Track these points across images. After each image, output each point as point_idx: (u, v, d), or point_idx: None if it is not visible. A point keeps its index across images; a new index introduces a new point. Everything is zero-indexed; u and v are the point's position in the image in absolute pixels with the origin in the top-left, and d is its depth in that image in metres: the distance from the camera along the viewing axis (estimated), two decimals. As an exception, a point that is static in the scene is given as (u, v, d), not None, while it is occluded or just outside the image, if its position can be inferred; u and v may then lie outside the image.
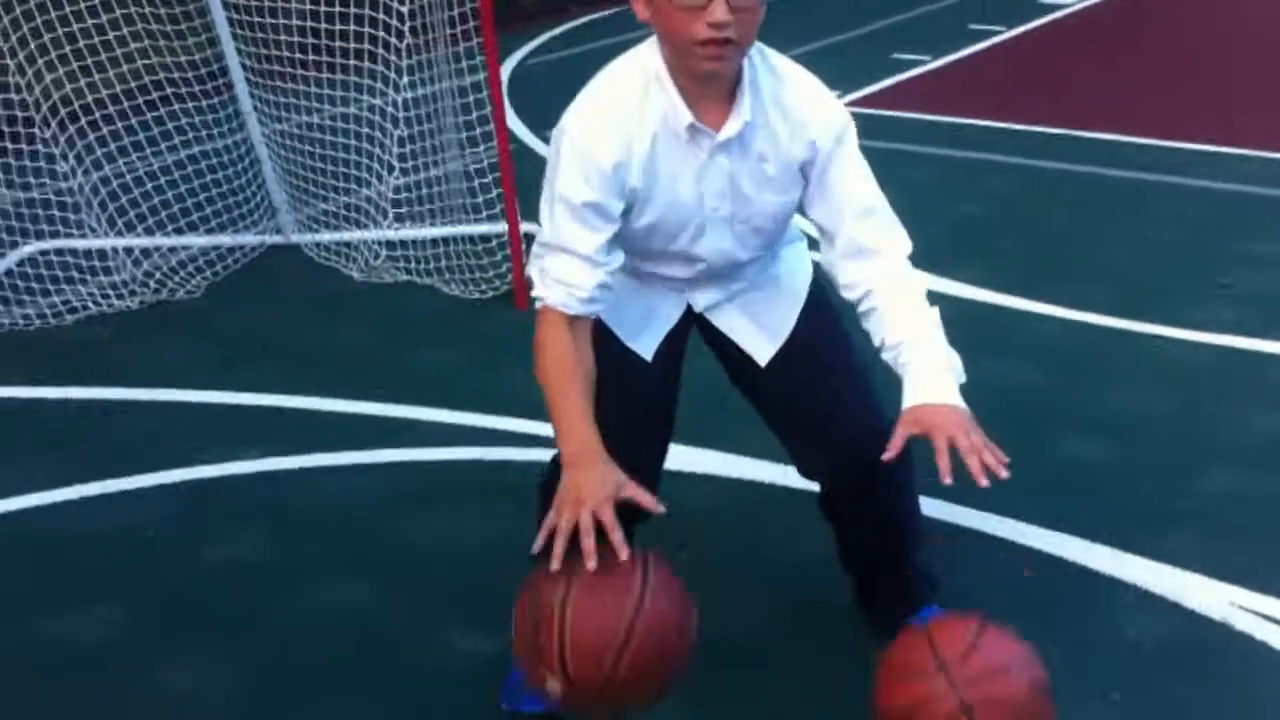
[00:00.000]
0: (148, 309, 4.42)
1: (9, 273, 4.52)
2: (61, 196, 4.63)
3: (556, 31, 9.14)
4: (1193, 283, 4.37)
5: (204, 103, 5.13)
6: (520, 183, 4.27)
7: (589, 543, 1.86)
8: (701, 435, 3.34)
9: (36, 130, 4.47)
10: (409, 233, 4.80)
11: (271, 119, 5.05)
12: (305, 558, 2.97)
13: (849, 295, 2.23)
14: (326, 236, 4.93)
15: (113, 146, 4.80)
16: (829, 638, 2.62)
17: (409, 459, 3.39)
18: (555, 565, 1.87)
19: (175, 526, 3.11)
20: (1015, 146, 6.11)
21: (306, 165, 4.99)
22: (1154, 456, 3.29)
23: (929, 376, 2.08)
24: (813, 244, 2.39)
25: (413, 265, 4.64)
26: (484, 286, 4.44)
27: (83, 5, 4.61)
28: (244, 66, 4.88)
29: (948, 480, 1.95)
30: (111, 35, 4.72)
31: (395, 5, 4.48)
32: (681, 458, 3.28)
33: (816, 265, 2.40)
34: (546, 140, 6.31)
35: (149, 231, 4.78)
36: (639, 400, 2.29)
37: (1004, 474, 1.99)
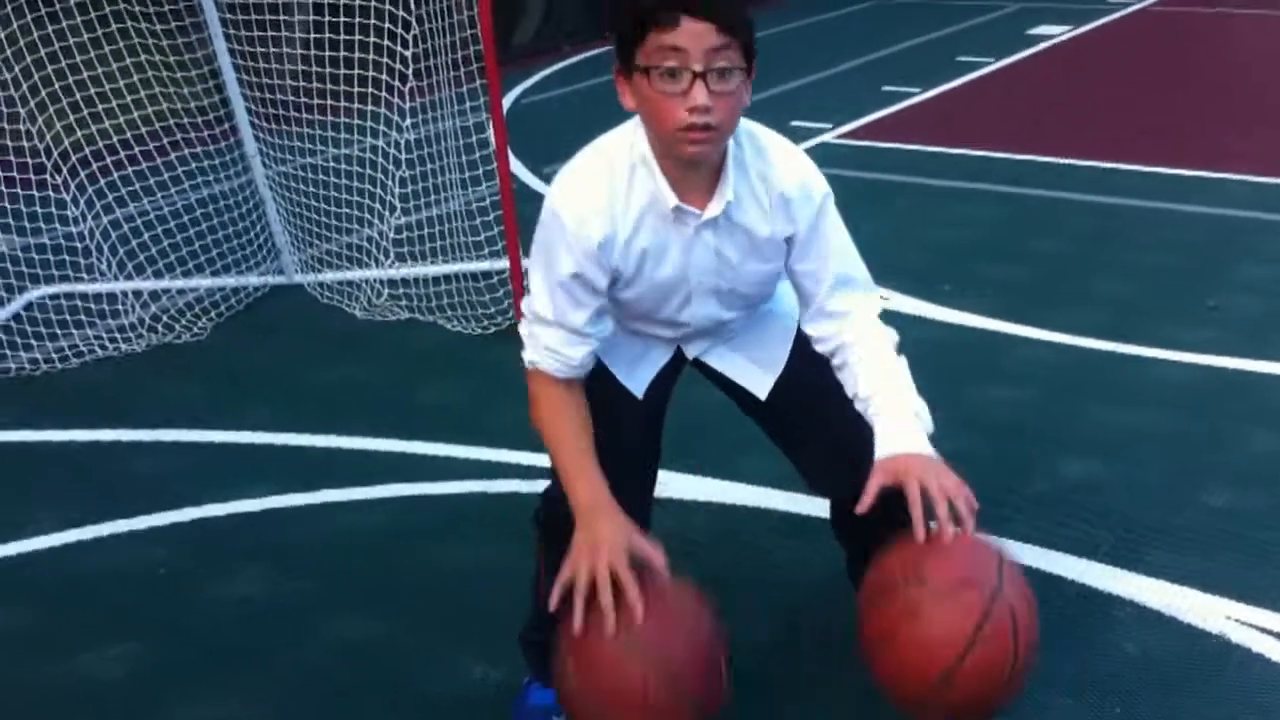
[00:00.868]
0: (152, 351, 4.48)
1: (16, 317, 4.59)
2: (69, 241, 4.70)
3: (551, 70, 9.26)
4: (1182, 305, 4.45)
5: (210, 147, 5.22)
6: (519, 220, 4.35)
7: (607, 597, 1.91)
8: (701, 462, 3.40)
9: (47, 177, 4.55)
10: (411, 271, 4.88)
11: (275, 161, 5.14)
12: (314, 593, 3.02)
13: (821, 348, 2.30)
14: (329, 276, 5.01)
15: (123, 191, 4.87)
16: (836, 658, 2.67)
17: (415, 493, 3.45)
18: (578, 623, 1.93)
19: (185, 565, 3.16)
20: (1005, 175, 6.20)
21: (310, 206, 5.08)
22: (1148, 475, 3.36)
23: (899, 427, 2.13)
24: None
25: (415, 303, 4.72)
26: (486, 322, 4.51)
27: (92, 54, 4.71)
28: (249, 110, 4.97)
29: (920, 533, 2.00)
30: (121, 83, 4.82)
31: (399, 49, 4.58)
32: (682, 485, 3.34)
33: None
34: (543, 178, 6.43)
35: (157, 275, 4.85)
36: (629, 437, 2.33)
37: (970, 525, 2.02)
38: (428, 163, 4.81)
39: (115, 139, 4.87)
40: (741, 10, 2.02)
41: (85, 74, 4.73)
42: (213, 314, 4.75)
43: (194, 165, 5.22)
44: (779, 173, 2.19)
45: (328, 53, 4.89)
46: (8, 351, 4.40)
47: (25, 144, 4.50)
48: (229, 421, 3.91)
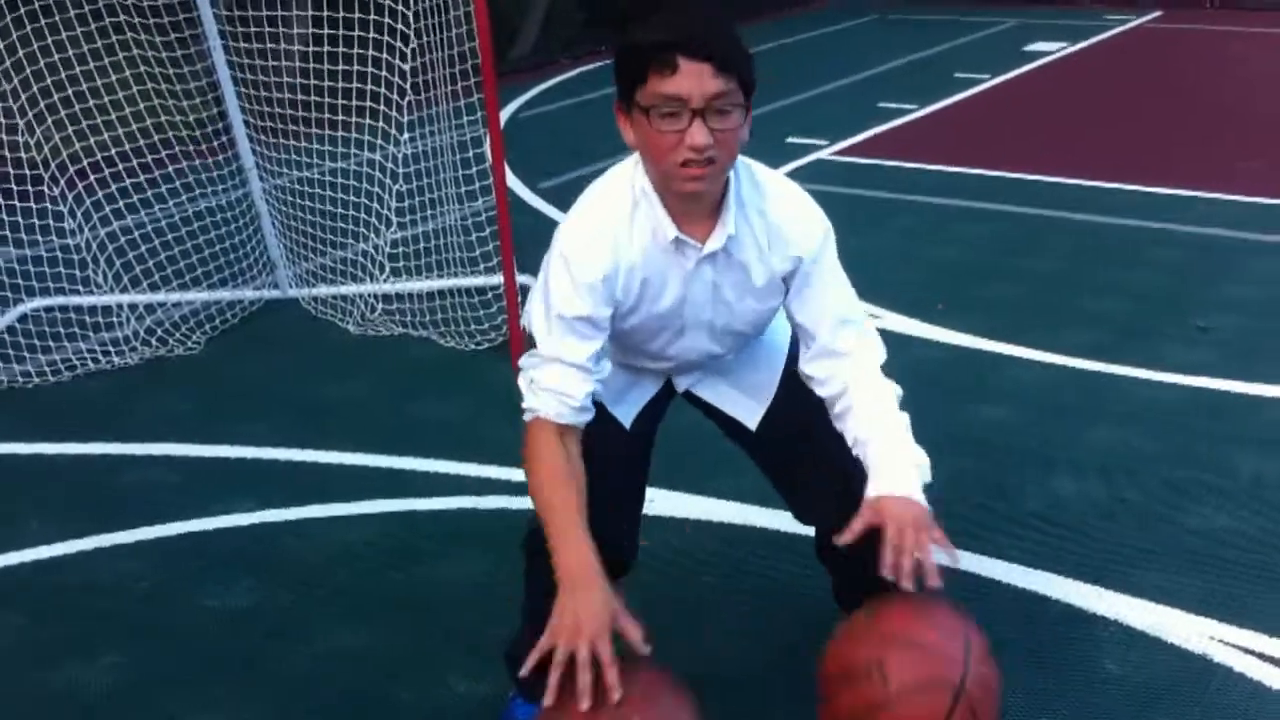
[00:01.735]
0: (146, 364, 4.49)
1: (10, 329, 4.61)
2: (66, 254, 4.72)
3: (547, 85, 9.29)
4: (1171, 326, 4.47)
5: (208, 159, 5.25)
6: (514, 235, 4.37)
7: (586, 679, 1.88)
8: (685, 480, 3.42)
9: (45, 188, 4.57)
10: (405, 285, 4.90)
11: (272, 174, 5.17)
12: (303, 607, 3.03)
13: (822, 392, 2.29)
14: (324, 290, 5.03)
15: (120, 203, 4.89)
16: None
17: (405, 509, 3.46)
18: (549, 700, 1.89)
19: (175, 578, 3.17)
20: (999, 193, 6.23)
21: (305, 220, 5.10)
22: (1135, 495, 3.37)
23: (893, 471, 2.13)
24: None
25: (409, 318, 4.74)
26: (479, 338, 4.53)
27: (91, 65, 4.74)
28: (246, 123, 5.00)
29: (887, 574, 2.00)
30: (120, 95, 4.85)
31: (397, 63, 4.60)
32: (666, 502, 3.36)
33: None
34: (539, 193, 6.45)
35: (153, 288, 4.87)
36: (616, 467, 2.33)
37: (934, 581, 2.01)
38: (424, 177, 4.83)
39: (113, 151, 4.89)
40: (739, 48, 2.03)
41: (84, 85, 4.75)
42: (207, 327, 4.77)
43: (191, 178, 5.25)
44: (777, 209, 2.20)
45: (326, 66, 4.92)
46: (0, 364, 4.41)
47: (23, 155, 4.52)
48: (221, 435, 3.93)
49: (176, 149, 5.13)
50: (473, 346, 4.51)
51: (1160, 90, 8.61)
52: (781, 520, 3.20)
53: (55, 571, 3.23)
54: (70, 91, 4.73)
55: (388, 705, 2.66)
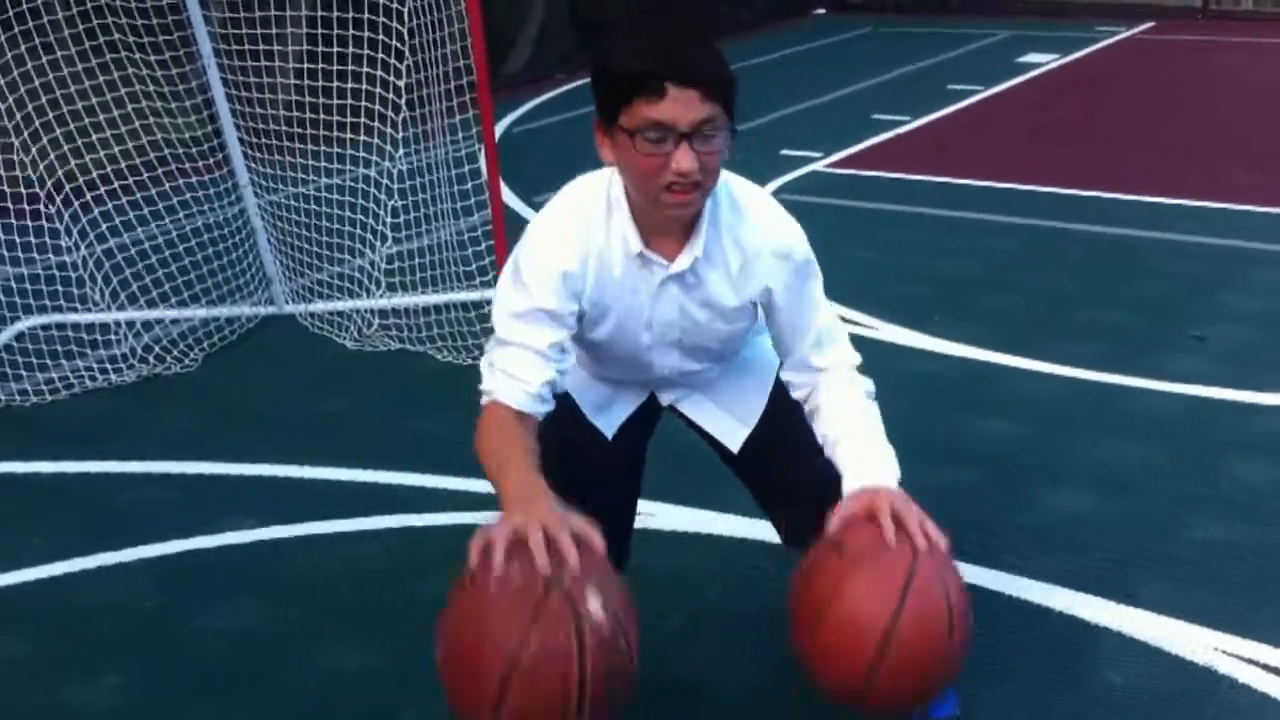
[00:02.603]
0: (143, 381, 4.48)
1: (7, 348, 4.59)
2: (62, 271, 4.71)
3: (542, 99, 9.30)
4: (1172, 336, 4.47)
5: (204, 177, 5.24)
6: (510, 249, 4.37)
7: (542, 559, 1.77)
8: (689, 493, 3.41)
9: (40, 207, 4.56)
10: (401, 300, 4.90)
11: (267, 191, 5.16)
12: (304, 625, 3.02)
13: (795, 394, 2.32)
14: (320, 306, 5.02)
15: (116, 221, 4.88)
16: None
17: (405, 524, 3.45)
18: (497, 570, 1.77)
19: (175, 597, 3.15)
20: (996, 204, 6.24)
21: (301, 236, 5.10)
22: (1136, 506, 3.37)
23: (867, 465, 2.13)
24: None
25: (406, 333, 4.73)
26: (476, 352, 4.52)
27: (86, 84, 4.73)
28: (241, 140, 4.99)
29: (890, 537, 1.99)
30: (115, 113, 4.85)
31: (392, 79, 4.60)
32: (670, 516, 3.35)
33: None
34: (535, 207, 6.44)
35: (150, 305, 4.86)
36: (599, 478, 2.31)
37: (944, 546, 2.00)
38: (419, 192, 4.83)
39: (109, 168, 4.88)
40: (725, 71, 2.03)
41: (79, 104, 4.75)
42: (204, 344, 4.76)
43: (187, 195, 5.24)
44: (755, 234, 2.18)
45: (320, 83, 4.92)
46: (-3, 382, 4.41)
47: (19, 174, 4.51)
48: (218, 453, 3.91)
49: (172, 166, 5.13)
50: (470, 361, 4.50)
51: (1154, 101, 8.63)
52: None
53: (55, 590, 3.21)
54: (65, 110, 4.72)
55: (390, 723, 2.65)
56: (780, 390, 2.39)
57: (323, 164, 5.33)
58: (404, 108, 4.63)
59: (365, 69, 4.74)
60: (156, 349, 4.66)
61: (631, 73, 1.98)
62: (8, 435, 4.11)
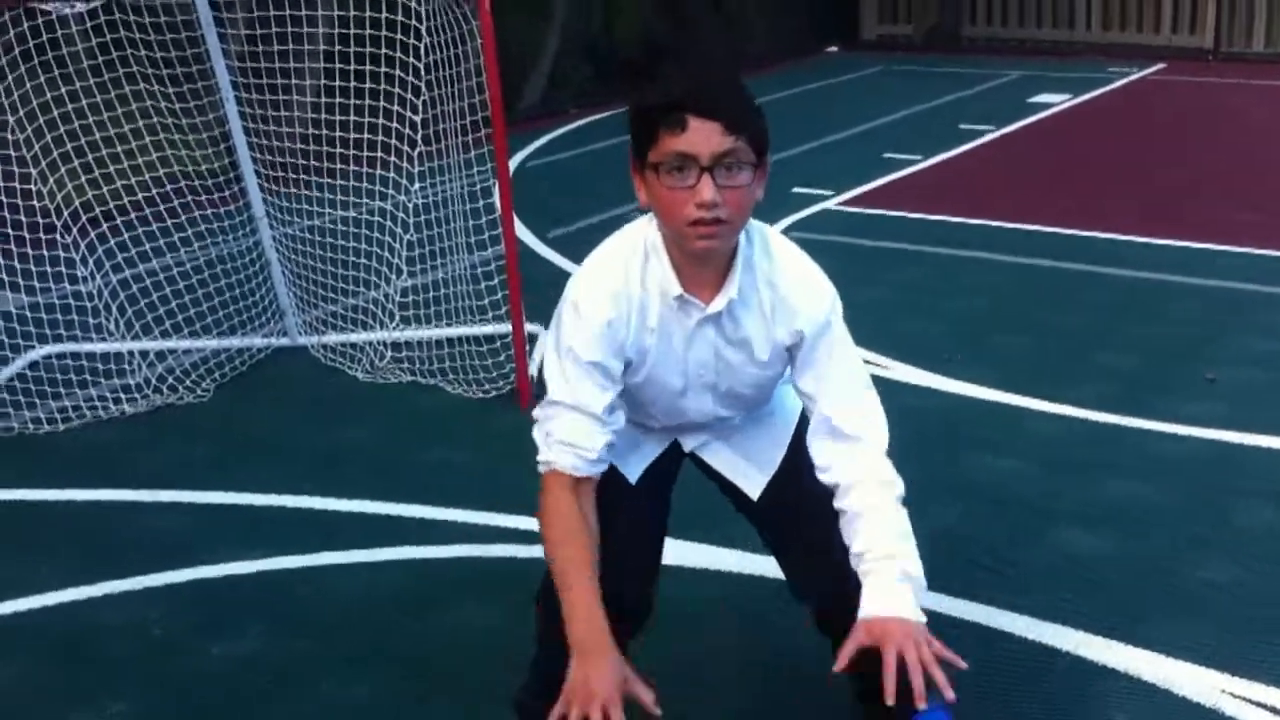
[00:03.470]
0: (155, 411, 4.51)
1: (21, 376, 4.62)
2: (77, 300, 4.75)
3: (556, 134, 9.36)
4: (1184, 379, 4.47)
5: (220, 210, 5.29)
6: (523, 284, 4.40)
7: None
8: (700, 530, 3.41)
9: (57, 236, 4.60)
10: (414, 334, 4.92)
11: (282, 223, 5.20)
12: (310, 655, 3.02)
13: (824, 478, 2.26)
14: (332, 338, 5.05)
15: (132, 251, 4.93)
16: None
17: (413, 556, 3.46)
18: None
19: (181, 625, 3.17)
20: (1008, 244, 6.25)
21: (315, 268, 5.13)
22: (1146, 548, 3.36)
23: (887, 589, 2.10)
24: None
25: (417, 365, 4.75)
26: (487, 386, 4.54)
27: (104, 115, 4.79)
28: (257, 173, 5.04)
29: (890, 702, 1.97)
30: (134, 144, 4.91)
31: (408, 114, 4.65)
32: (681, 552, 3.35)
33: None
34: (548, 242, 6.48)
35: (164, 335, 4.90)
36: (623, 522, 2.31)
37: (950, 695, 1.99)
38: (434, 226, 4.86)
39: (125, 199, 4.94)
40: (749, 106, 2.06)
41: (97, 134, 4.81)
42: (216, 375, 4.79)
43: (202, 226, 5.30)
44: (786, 279, 2.21)
45: (338, 116, 4.97)
46: (10, 410, 4.43)
47: (36, 204, 4.55)
48: (229, 482, 3.93)
49: (188, 198, 5.18)
50: (481, 395, 4.52)
51: (1166, 142, 8.66)
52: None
53: (64, 618, 3.22)
54: (83, 141, 4.78)
55: (396, 756, 2.65)
56: (800, 443, 2.37)
57: (338, 197, 5.37)
58: (419, 142, 4.67)
59: (382, 103, 4.79)
60: (170, 379, 4.69)
61: (656, 107, 2.04)
62: (19, 462, 4.14)
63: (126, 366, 4.69)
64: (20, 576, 3.40)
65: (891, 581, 2.11)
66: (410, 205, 4.80)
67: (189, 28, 4.86)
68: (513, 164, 8.19)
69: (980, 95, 10.65)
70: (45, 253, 4.67)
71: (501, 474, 3.89)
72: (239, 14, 5.79)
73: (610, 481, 2.31)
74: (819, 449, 2.27)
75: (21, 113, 4.57)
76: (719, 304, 2.17)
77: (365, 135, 4.90)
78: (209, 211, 5.33)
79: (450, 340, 4.83)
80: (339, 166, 5.10)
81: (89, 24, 4.68)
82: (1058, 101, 10.09)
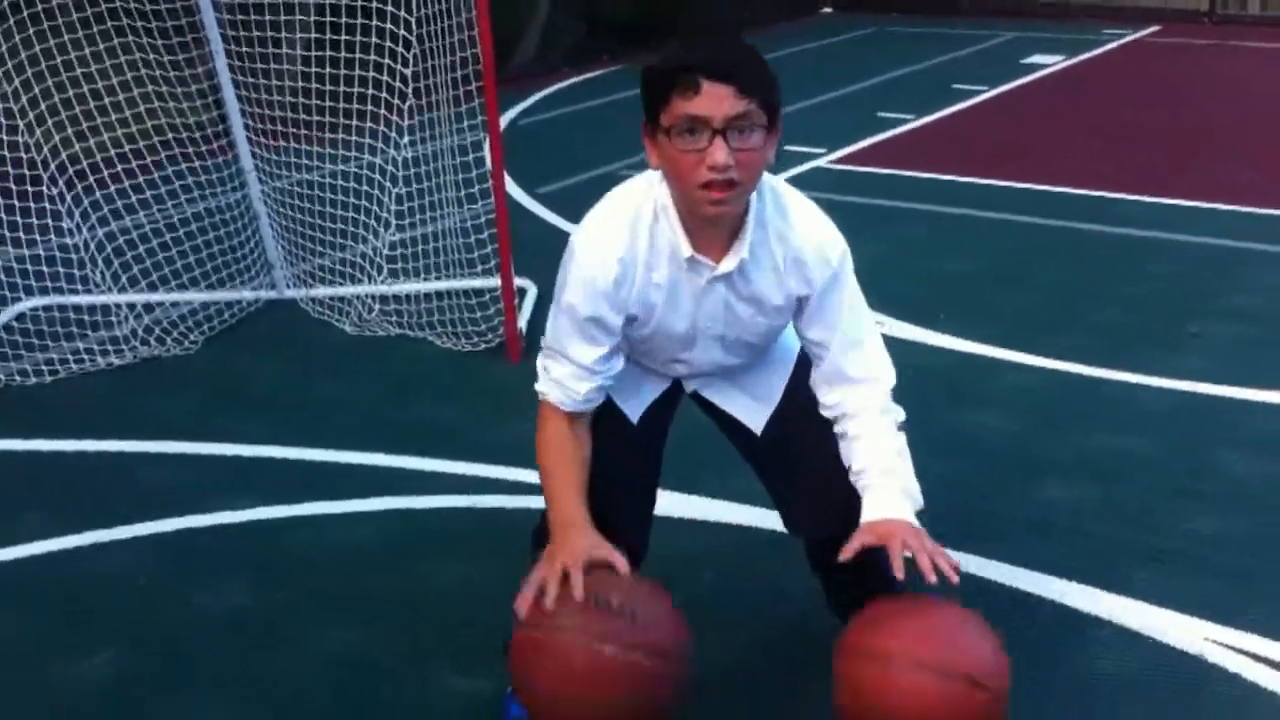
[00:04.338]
0: (142, 363, 4.50)
1: (7, 328, 4.61)
2: (64, 253, 4.73)
3: (547, 91, 9.31)
4: (1170, 333, 4.48)
5: (208, 161, 5.26)
6: (512, 238, 4.39)
7: (553, 591, 2.06)
8: (691, 480, 3.42)
9: (44, 188, 4.57)
10: (403, 287, 4.91)
11: (271, 176, 5.18)
12: (297, 604, 3.03)
13: (826, 414, 2.34)
14: (321, 291, 5.04)
15: (119, 204, 4.91)
16: (819, 669, 2.69)
17: (401, 507, 3.46)
18: (521, 614, 2.08)
19: (168, 575, 3.17)
20: (998, 202, 6.24)
21: (304, 222, 5.11)
22: (1131, 499, 3.38)
23: (887, 497, 2.21)
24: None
25: (406, 319, 4.74)
26: (476, 339, 4.54)
27: (93, 67, 4.75)
28: (246, 126, 5.01)
29: (900, 576, 2.13)
30: (121, 96, 4.87)
31: (399, 67, 4.62)
32: (671, 503, 3.36)
33: None
34: (538, 198, 6.46)
35: (152, 287, 4.88)
36: (623, 460, 2.38)
37: (955, 579, 2.12)
38: (424, 180, 4.84)
39: (113, 151, 4.90)
40: (762, 69, 2.07)
41: (85, 87, 4.77)
42: (204, 327, 4.77)
43: (190, 179, 5.26)
44: (798, 233, 2.23)
45: (328, 70, 4.93)
46: (-1, 362, 4.42)
47: (23, 155, 4.52)
48: (217, 434, 3.93)
49: (176, 150, 5.15)
50: (469, 347, 4.51)
51: (1159, 103, 8.63)
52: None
53: (51, 567, 3.23)
54: (71, 93, 4.74)
55: (384, 704, 2.66)
56: (800, 375, 2.43)
57: (327, 150, 5.34)
58: (410, 96, 4.64)
59: (373, 57, 4.75)
60: (157, 331, 4.67)
61: (668, 69, 2.04)
62: (7, 414, 4.13)
63: (114, 319, 4.67)
64: (6, 527, 3.40)
65: (892, 493, 2.21)
66: (400, 159, 4.78)
67: (179, -21, 4.82)
68: (504, 120, 8.13)
69: (973, 56, 10.60)
70: (32, 205, 4.63)
71: (489, 426, 3.89)
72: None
73: (608, 414, 2.34)
74: (823, 391, 2.34)
75: (10, 64, 4.53)
76: (730, 264, 2.18)
77: (355, 89, 4.86)
78: (197, 164, 5.29)
79: (439, 294, 4.82)
80: (328, 120, 5.07)
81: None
82: (1052, 63, 10.05)
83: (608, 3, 10.60)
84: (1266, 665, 2.67)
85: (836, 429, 2.32)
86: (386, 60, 4.69)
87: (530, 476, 3.27)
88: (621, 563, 2.09)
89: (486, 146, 4.48)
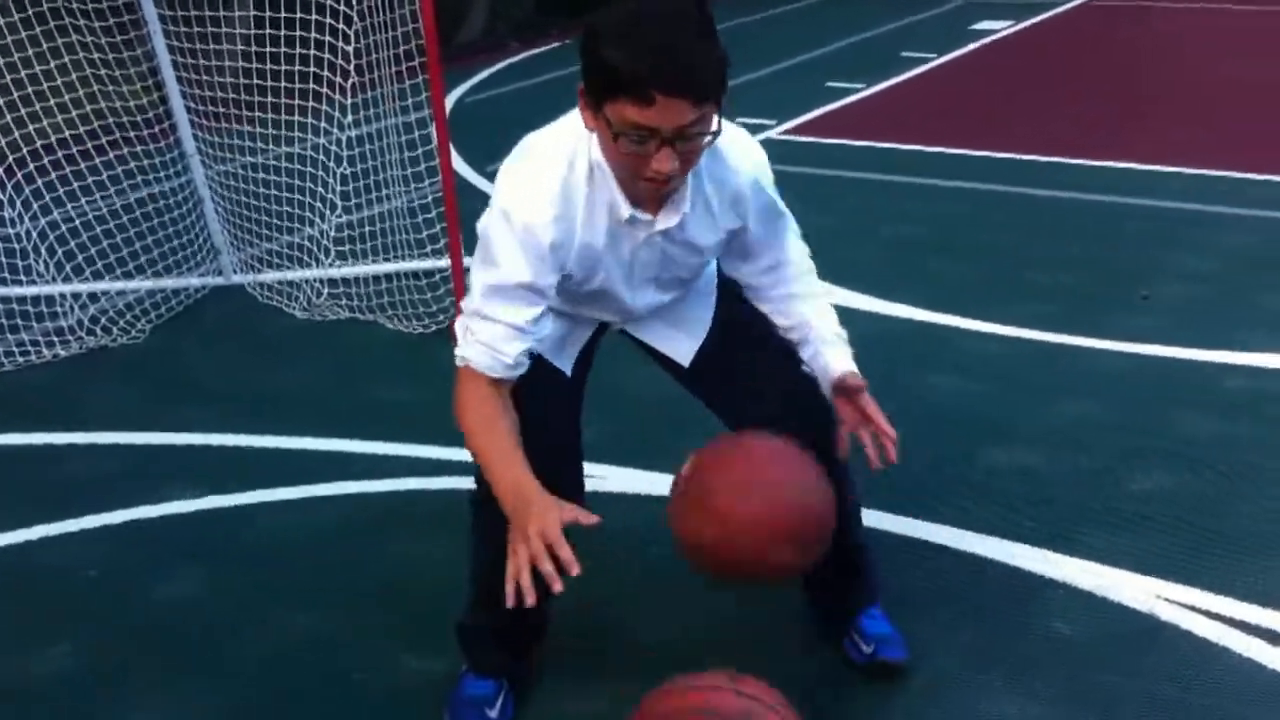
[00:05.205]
0: (89, 353, 4.43)
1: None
2: (6, 243, 4.64)
3: (496, 68, 9.24)
4: (1121, 297, 4.51)
5: (150, 146, 5.17)
6: (461, 218, 4.35)
7: (548, 567, 1.93)
8: (643, 456, 3.40)
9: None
10: (351, 270, 4.86)
11: (215, 160, 5.10)
12: (253, 591, 3.00)
13: (772, 293, 2.44)
14: (268, 276, 4.98)
15: (60, 192, 4.82)
16: (778, 639, 2.70)
17: (354, 491, 3.43)
18: (529, 600, 1.95)
19: (120, 566, 3.13)
20: (948, 170, 6.26)
21: (250, 205, 5.04)
22: (1083, 461, 3.40)
23: (841, 349, 2.38)
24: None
25: (355, 302, 4.70)
26: (427, 321, 4.50)
27: (30, 52, 4.65)
28: (188, 109, 4.93)
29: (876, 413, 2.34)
30: (60, 81, 4.77)
31: (341, 44, 4.55)
32: (625, 479, 3.35)
33: None
34: (486, 176, 6.39)
35: (97, 276, 4.80)
36: (560, 415, 2.34)
37: (892, 455, 2.32)
38: (369, 159, 4.79)
39: (53, 138, 4.81)
40: (719, 67, 1.94)
41: (23, 73, 4.67)
42: (151, 316, 4.71)
43: (133, 165, 5.18)
44: (732, 172, 2.20)
45: (269, 49, 4.85)
46: (-58, 355, 4.34)
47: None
48: (166, 423, 3.88)
49: (117, 135, 5.06)
50: (420, 329, 4.48)
51: (1108, 66, 8.68)
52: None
53: (1, 561, 3.17)
54: (9, 79, 4.65)
55: (341, 687, 2.64)
56: (725, 304, 2.45)
57: (271, 132, 5.27)
58: (353, 74, 4.58)
59: (314, 34, 4.68)
60: (103, 320, 4.60)
61: (621, 73, 1.88)
62: (-49, 408, 4.06)
63: (58, 309, 4.59)
64: (-45, 521, 3.34)
65: (841, 343, 2.38)
66: (344, 139, 4.72)
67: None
68: (451, 98, 8.07)
69: (922, 23, 10.61)
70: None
71: (441, 408, 3.79)
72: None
73: (548, 378, 2.31)
74: (782, 312, 2.43)
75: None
76: (670, 220, 2.14)
77: (297, 67, 4.79)
78: (139, 149, 5.21)
79: (388, 276, 4.78)
80: (271, 100, 4.99)
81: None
82: (1000, 28, 10.08)
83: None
84: (1218, 621, 2.70)
85: (784, 314, 2.41)
86: (328, 38, 4.63)
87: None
88: (589, 518, 1.99)
89: (433, 125, 4.43)
